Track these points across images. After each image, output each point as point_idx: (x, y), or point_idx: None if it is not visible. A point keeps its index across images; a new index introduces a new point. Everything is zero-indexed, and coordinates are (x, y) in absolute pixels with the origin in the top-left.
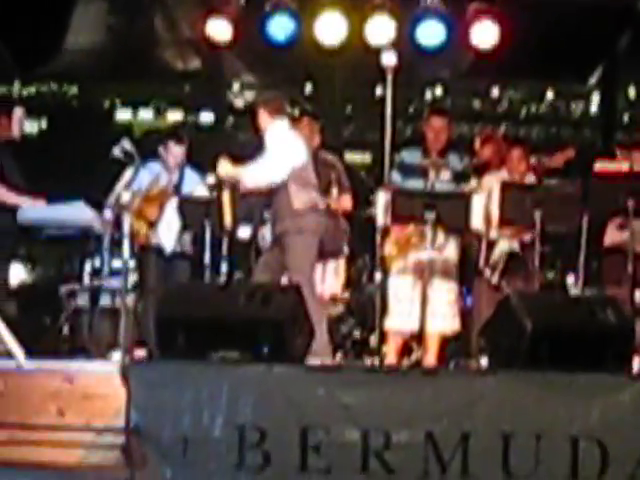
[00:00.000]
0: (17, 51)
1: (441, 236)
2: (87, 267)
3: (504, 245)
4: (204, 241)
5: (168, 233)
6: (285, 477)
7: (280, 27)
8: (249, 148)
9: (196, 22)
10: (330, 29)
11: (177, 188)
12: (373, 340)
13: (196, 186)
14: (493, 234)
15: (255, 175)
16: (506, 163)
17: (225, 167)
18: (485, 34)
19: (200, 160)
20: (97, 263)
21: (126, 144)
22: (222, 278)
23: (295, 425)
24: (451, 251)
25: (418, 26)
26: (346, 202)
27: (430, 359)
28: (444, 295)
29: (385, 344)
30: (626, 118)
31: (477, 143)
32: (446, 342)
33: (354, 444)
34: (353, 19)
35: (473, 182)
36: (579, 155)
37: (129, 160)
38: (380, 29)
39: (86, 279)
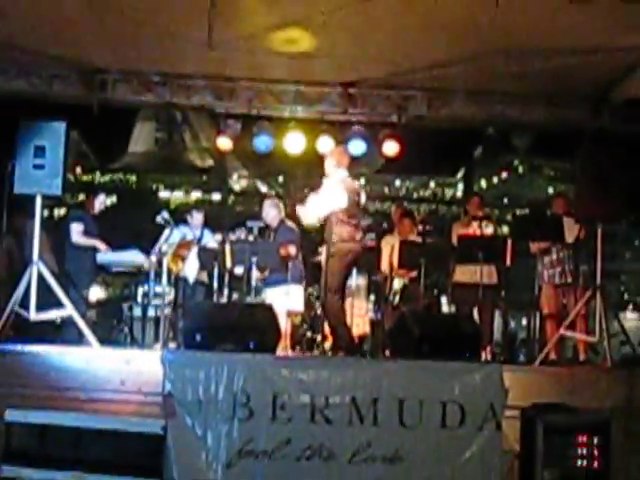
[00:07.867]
0: (98, 152)
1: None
2: (140, 291)
3: (399, 281)
4: (213, 275)
5: (191, 269)
6: (262, 424)
7: (262, 141)
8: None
9: (210, 137)
10: (294, 143)
11: (199, 241)
12: (319, 339)
13: (210, 240)
14: (393, 274)
15: None
16: (398, 228)
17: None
18: (391, 147)
19: (212, 224)
20: (146, 288)
21: (165, 214)
22: (224, 298)
23: (269, 392)
24: (361, 282)
25: (349, 142)
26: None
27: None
28: (358, 311)
29: (326, 341)
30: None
31: (395, 214)
32: (363, 340)
33: (305, 404)
34: (308, 137)
35: (371, 236)
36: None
37: (167, 224)
38: (325, 143)
39: (139, 298)
